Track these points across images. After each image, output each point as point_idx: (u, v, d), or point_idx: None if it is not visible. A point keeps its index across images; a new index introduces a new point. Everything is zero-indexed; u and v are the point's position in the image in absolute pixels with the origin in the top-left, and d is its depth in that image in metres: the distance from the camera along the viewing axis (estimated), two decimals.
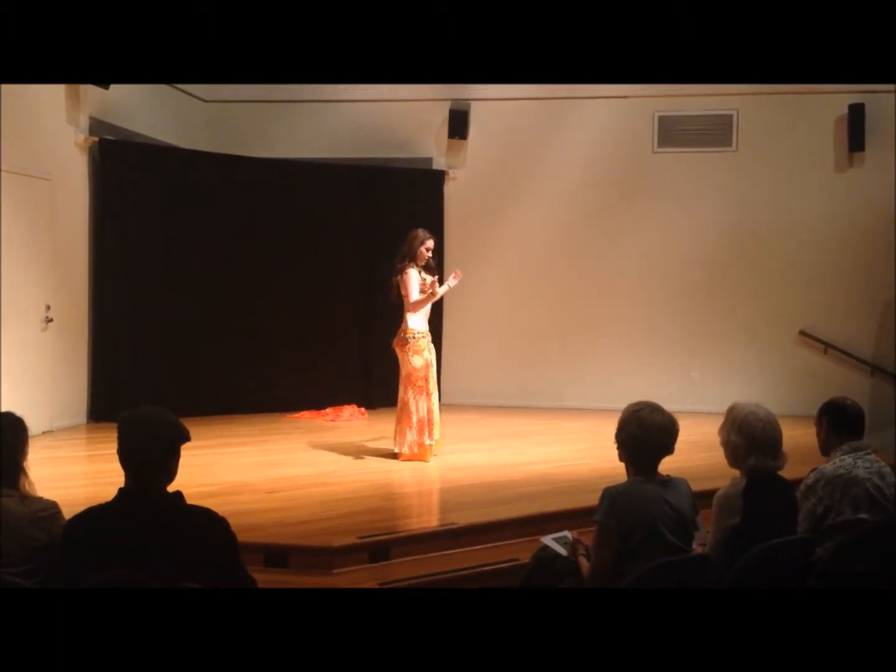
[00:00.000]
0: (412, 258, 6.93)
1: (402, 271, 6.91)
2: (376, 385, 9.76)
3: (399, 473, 6.62)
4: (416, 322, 6.90)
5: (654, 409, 3.46)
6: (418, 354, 6.85)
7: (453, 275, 7.07)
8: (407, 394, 6.93)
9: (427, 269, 7.01)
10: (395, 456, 6.99)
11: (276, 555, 4.59)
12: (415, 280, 6.87)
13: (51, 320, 8.05)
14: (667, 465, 3.49)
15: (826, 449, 3.92)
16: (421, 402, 6.88)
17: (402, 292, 6.93)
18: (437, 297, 7.00)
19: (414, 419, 6.90)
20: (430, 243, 6.98)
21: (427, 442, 6.90)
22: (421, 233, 6.99)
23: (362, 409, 9.61)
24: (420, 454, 6.90)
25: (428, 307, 7.01)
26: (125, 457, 2.93)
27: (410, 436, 6.91)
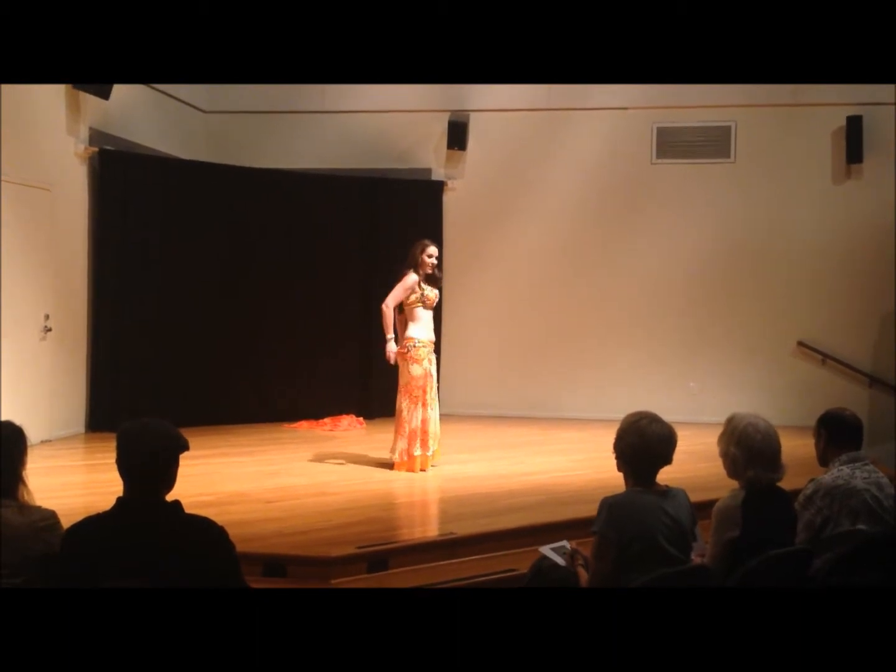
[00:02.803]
0: (414, 266, 6.93)
1: (401, 277, 6.92)
2: (375, 395, 9.76)
3: (397, 483, 6.61)
4: (418, 331, 6.89)
5: (652, 419, 3.46)
6: (417, 363, 6.84)
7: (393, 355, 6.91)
8: (402, 402, 6.93)
9: (431, 279, 6.99)
10: (393, 466, 6.99)
11: (275, 565, 4.58)
12: (408, 284, 6.85)
13: (50, 330, 8.05)
14: (665, 476, 3.49)
15: (824, 460, 3.92)
16: (416, 411, 6.86)
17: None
18: (386, 343, 6.87)
19: (406, 428, 6.88)
20: (432, 249, 6.98)
21: (417, 452, 6.86)
22: (423, 241, 7.02)
23: (360, 419, 9.60)
24: (409, 464, 6.86)
25: (430, 316, 7.00)
26: (124, 466, 2.93)
27: (401, 444, 6.90)
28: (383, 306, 6.91)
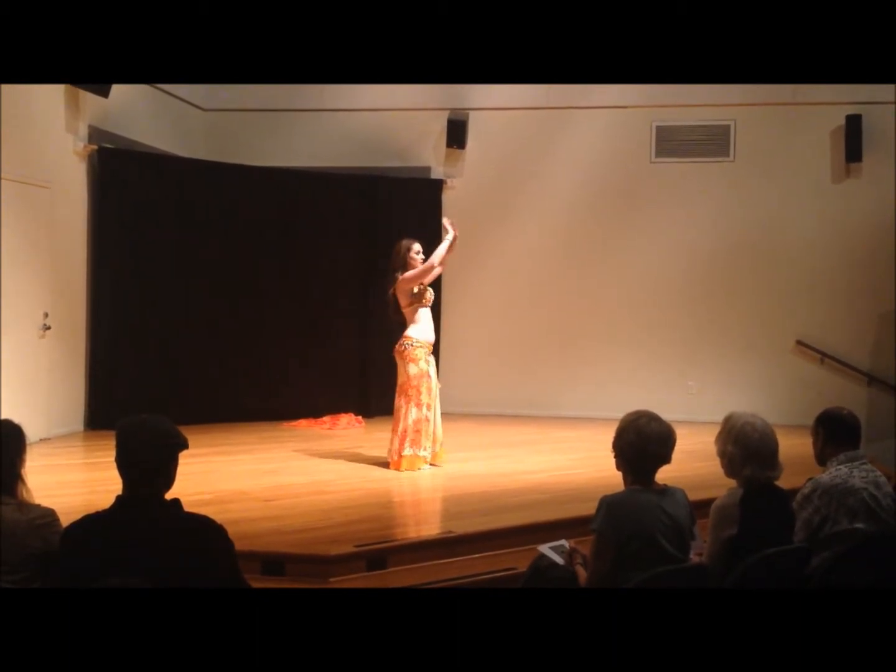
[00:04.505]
0: (402, 269, 6.92)
1: (395, 281, 6.91)
2: (374, 393, 9.77)
3: (396, 482, 6.61)
4: (417, 331, 6.89)
5: (651, 418, 3.46)
6: (414, 363, 6.83)
7: (445, 229, 7.05)
8: (398, 401, 6.92)
9: None
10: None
11: (273, 563, 4.59)
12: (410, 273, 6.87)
13: (48, 328, 8.05)
14: (664, 475, 3.50)
15: (822, 459, 3.93)
16: (410, 411, 6.83)
17: (403, 297, 6.90)
18: (447, 244, 6.93)
19: (399, 427, 6.87)
20: (416, 246, 6.98)
21: (407, 452, 6.81)
22: (404, 242, 6.99)
23: (359, 418, 9.60)
24: (397, 463, 6.83)
25: (429, 316, 7.00)
26: (123, 464, 2.93)
27: (394, 444, 6.90)
28: (433, 264, 6.89)
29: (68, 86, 8.20)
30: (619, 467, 3.51)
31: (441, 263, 7.03)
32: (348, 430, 9.22)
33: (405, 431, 6.84)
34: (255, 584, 3.11)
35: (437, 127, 10.39)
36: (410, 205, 10.11)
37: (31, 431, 4.03)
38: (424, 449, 6.89)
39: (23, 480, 3.29)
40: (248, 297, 9.43)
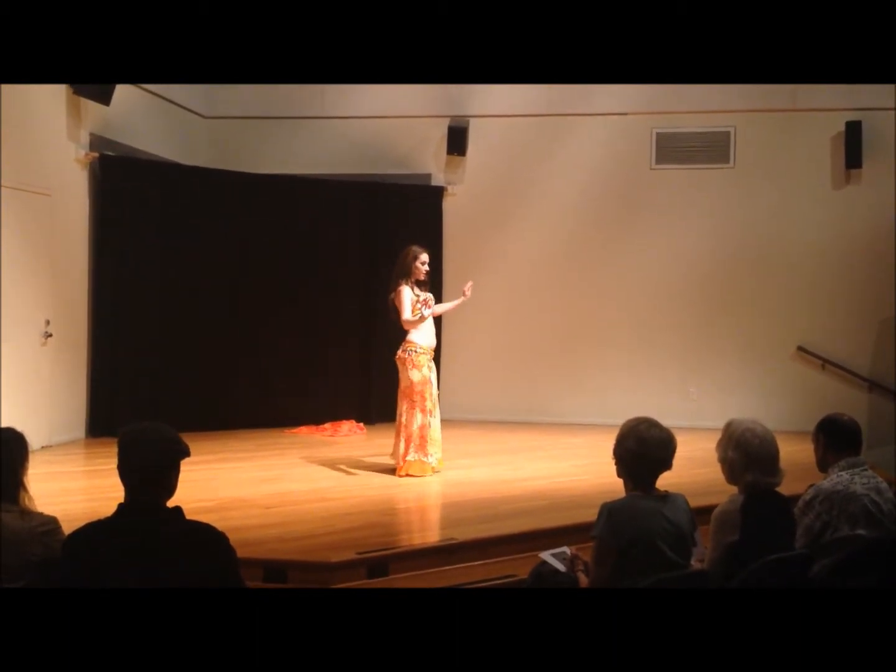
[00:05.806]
0: (406, 275, 6.94)
1: (395, 289, 6.93)
2: (375, 400, 9.77)
3: (398, 489, 6.62)
4: (419, 337, 6.90)
5: (652, 424, 3.46)
6: (417, 369, 6.84)
7: (463, 292, 7.10)
8: (402, 407, 6.94)
9: (422, 284, 7.00)
10: (394, 471, 6.99)
11: (275, 570, 4.59)
12: (408, 297, 6.87)
13: (50, 335, 8.06)
14: (665, 481, 3.49)
15: (823, 465, 3.93)
16: (415, 416, 6.84)
17: (398, 309, 6.94)
18: (432, 314, 6.98)
19: (405, 433, 6.89)
20: (424, 257, 6.98)
21: (413, 457, 6.84)
22: (413, 249, 7.00)
23: (361, 425, 9.60)
24: (407, 468, 6.85)
25: (430, 321, 7.01)
26: (125, 472, 2.93)
27: (402, 450, 6.91)
28: (406, 325, 6.87)
29: (70, 93, 8.22)
30: (619, 474, 3.51)
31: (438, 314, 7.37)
32: (350, 437, 9.22)
33: (410, 437, 6.85)
34: None
35: (438, 134, 10.41)
36: (411, 212, 10.12)
37: (33, 439, 4.05)
38: (430, 456, 6.91)
39: (25, 488, 3.29)
40: (250, 304, 9.44)
